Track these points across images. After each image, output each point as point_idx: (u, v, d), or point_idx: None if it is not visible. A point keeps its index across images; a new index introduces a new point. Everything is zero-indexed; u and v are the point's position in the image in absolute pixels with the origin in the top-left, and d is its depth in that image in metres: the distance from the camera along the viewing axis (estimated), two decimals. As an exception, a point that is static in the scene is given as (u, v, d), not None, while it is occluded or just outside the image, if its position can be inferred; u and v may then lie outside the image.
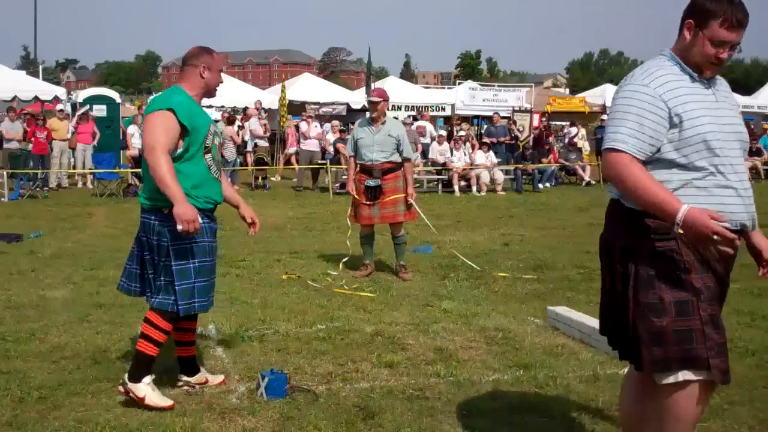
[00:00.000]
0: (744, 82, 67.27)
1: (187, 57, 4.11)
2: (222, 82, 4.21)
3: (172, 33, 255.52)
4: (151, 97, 4.60)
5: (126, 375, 3.98)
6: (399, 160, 7.51)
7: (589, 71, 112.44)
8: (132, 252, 4.17)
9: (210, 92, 4.14)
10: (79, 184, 17.23)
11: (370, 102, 7.59)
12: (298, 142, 18.37)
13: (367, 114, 7.73)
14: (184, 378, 4.31)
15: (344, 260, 7.89)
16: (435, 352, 5.04)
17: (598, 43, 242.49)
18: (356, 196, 7.58)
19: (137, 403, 3.90)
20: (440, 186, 16.89)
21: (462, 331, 5.54)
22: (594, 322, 5.36)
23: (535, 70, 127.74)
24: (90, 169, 16.89)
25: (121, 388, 3.98)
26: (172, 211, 3.79)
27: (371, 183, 7.45)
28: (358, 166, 7.62)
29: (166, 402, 3.97)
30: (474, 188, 16.40)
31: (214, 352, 4.98)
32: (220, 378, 4.39)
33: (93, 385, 4.27)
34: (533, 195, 16.22)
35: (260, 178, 17.11)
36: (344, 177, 16.24)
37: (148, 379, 3.96)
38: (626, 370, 4.61)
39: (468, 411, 4.01)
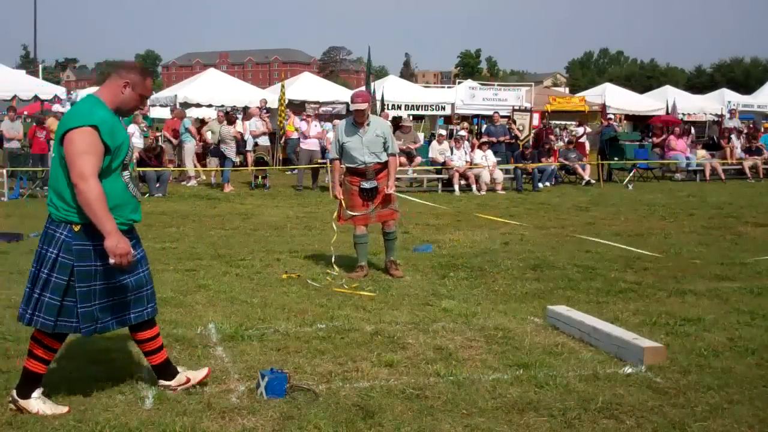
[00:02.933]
0: (744, 81, 67.27)
1: (120, 65, 3.94)
2: (140, 108, 3.93)
3: (172, 33, 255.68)
4: (68, 108, 4.12)
5: (14, 392, 3.90)
6: (386, 159, 7.53)
7: (589, 70, 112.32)
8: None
9: (122, 112, 3.89)
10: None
11: (356, 109, 7.43)
12: (299, 142, 18.38)
13: (351, 117, 7.62)
14: (163, 382, 4.21)
15: (332, 260, 7.87)
16: (435, 351, 5.04)
17: (598, 42, 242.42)
18: (343, 200, 7.57)
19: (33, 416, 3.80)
20: (440, 185, 16.88)
21: (462, 330, 5.54)
22: (593, 321, 5.37)
23: (534, 70, 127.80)
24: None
25: (12, 406, 3.88)
26: (104, 244, 3.63)
27: (367, 185, 7.44)
28: (345, 169, 7.59)
29: (62, 409, 3.89)
30: (474, 187, 16.39)
31: (213, 351, 4.98)
32: (203, 372, 4.26)
33: (93, 385, 4.26)
34: (533, 194, 16.20)
35: (260, 177, 17.11)
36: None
37: (37, 393, 3.89)
38: (627, 369, 4.63)
39: (468, 410, 4.01)
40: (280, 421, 3.84)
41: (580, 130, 20.90)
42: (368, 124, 7.45)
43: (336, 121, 19.03)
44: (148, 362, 4.26)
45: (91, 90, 29.38)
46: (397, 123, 18.90)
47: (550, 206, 13.83)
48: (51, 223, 3.79)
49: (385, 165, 7.54)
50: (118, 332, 5.32)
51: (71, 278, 3.74)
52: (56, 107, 18.45)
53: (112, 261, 3.67)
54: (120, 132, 3.80)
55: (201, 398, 4.11)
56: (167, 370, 4.22)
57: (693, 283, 7.12)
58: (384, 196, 7.53)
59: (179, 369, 4.29)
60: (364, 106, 7.40)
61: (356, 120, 7.46)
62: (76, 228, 3.73)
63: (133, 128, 17.24)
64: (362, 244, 7.61)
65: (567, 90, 49.09)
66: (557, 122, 24.89)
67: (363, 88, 18.98)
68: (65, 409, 3.91)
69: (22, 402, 3.86)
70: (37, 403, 3.87)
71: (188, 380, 4.23)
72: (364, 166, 7.44)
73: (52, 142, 16.60)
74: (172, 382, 4.20)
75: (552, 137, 20.69)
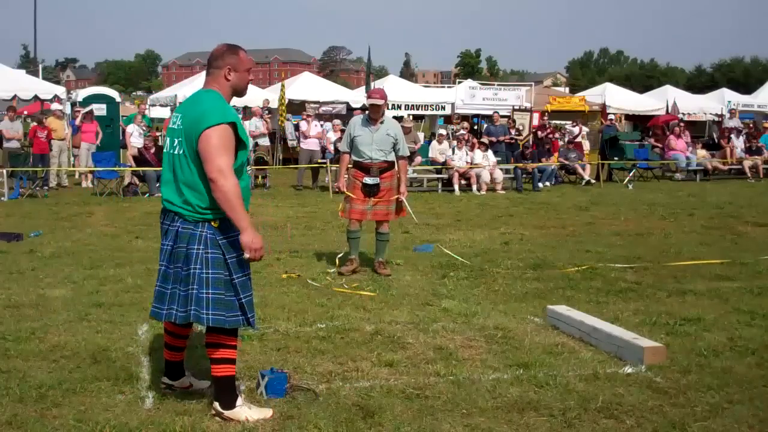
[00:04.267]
0: (744, 81, 67.25)
1: (212, 57, 3.85)
2: (251, 80, 3.94)
3: (171, 32, 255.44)
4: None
5: (217, 405, 3.85)
6: (394, 159, 7.59)
7: (589, 70, 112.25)
8: (160, 270, 3.88)
9: (239, 93, 3.91)
10: (83, 184, 17.23)
11: (371, 104, 7.58)
12: (299, 142, 18.37)
13: (366, 112, 7.74)
14: (167, 381, 4.20)
15: (339, 256, 7.91)
16: (435, 351, 5.04)
17: (598, 41, 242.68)
18: (348, 193, 7.63)
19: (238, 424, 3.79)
20: (440, 185, 16.88)
21: (462, 329, 5.54)
22: (594, 321, 5.37)
23: (534, 69, 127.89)
24: (91, 168, 16.87)
25: (217, 418, 3.84)
26: (240, 238, 3.67)
27: (370, 181, 7.50)
28: (352, 163, 7.67)
29: (267, 413, 3.88)
30: (474, 187, 16.38)
31: (213, 351, 4.97)
32: (206, 384, 4.20)
33: (93, 384, 4.27)
34: (533, 194, 16.20)
35: (260, 177, 17.11)
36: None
37: (240, 401, 3.87)
38: (627, 368, 4.63)
39: (468, 410, 4.01)
40: (280, 420, 3.84)
41: (575, 130, 20.87)
42: (382, 122, 7.55)
43: (336, 121, 19.07)
44: (171, 358, 4.18)
45: (92, 89, 29.37)
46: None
47: (550, 206, 13.83)
48: (184, 223, 3.76)
49: (391, 165, 7.58)
50: (117, 331, 5.34)
51: (229, 271, 3.75)
52: (54, 106, 18.38)
53: (247, 255, 3.71)
54: (242, 127, 3.83)
55: (201, 398, 4.10)
56: (180, 369, 4.23)
57: (693, 283, 7.12)
58: (384, 196, 7.55)
59: (186, 373, 4.27)
60: (380, 102, 7.53)
61: (371, 116, 7.58)
62: (215, 224, 3.75)
63: (132, 128, 17.24)
64: (355, 239, 7.70)
65: (567, 90, 49.07)
66: (554, 122, 24.82)
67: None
68: (270, 411, 3.89)
69: (227, 413, 3.82)
70: (243, 410, 3.83)
71: (190, 386, 4.23)
72: (370, 161, 7.51)
73: (53, 142, 16.61)
74: (176, 383, 4.20)
75: (553, 135, 20.64)
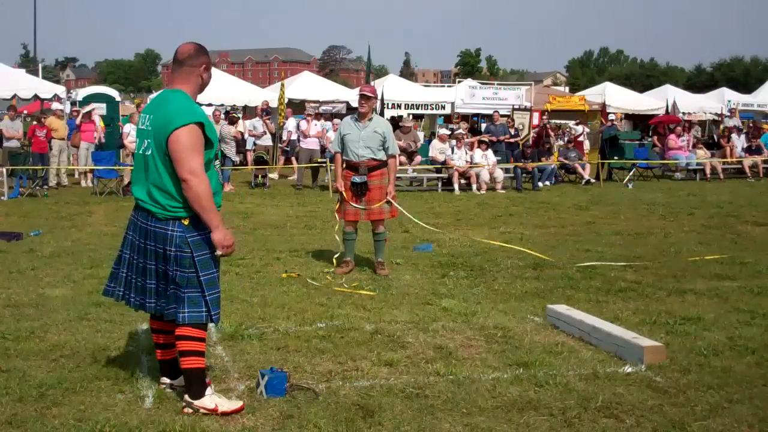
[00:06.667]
0: (744, 81, 67.26)
1: (185, 57, 3.90)
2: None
3: (171, 31, 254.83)
4: (164, 106, 3.93)
5: (186, 396, 3.90)
6: (385, 158, 7.57)
7: (588, 69, 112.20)
8: (124, 257, 3.98)
9: (202, 91, 4.03)
10: (82, 183, 17.23)
11: (363, 96, 7.59)
12: (298, 141, 18.36)
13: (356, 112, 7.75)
14: (166, 380, 4.21)
15: (336, 256, 7.92)
16: (435, 350, 5.04)
17: (598, 41, 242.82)
18: (344, 192, 7.63)
19: (211, 415, 3.83)
20: (440, 184, 16.87)
21: (462, 329, 5.54)
22: (593, 320, 5.37)
23: (534, 69, 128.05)
24: (90, 167, 16.85)
25: (188, 410, 3.87)
26: (212, 236, 3.76)
27: (357, 179, 7.51)
28: (344, 162, 7.67)
29: (237, 404, 3.92)
30: (474, 187, 16.38)
31: (213, 350, 4.97)
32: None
33: (93, 384, 4.27)
34: (533, 193, 16.20)
35: (260, 176, 17.10)
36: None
37: (210, 390, 3.91)
38: (627, 368, 4.63)
39: (468, 409, 4.01)
40: (280, 420, 3.84)
41: (579, 129, 20.87)
42: (370, 120, 7.55)
43: (336, 120, 19.06)
44: (163, 357, 4.20)
45: (92, 89, 29.33)
46: (396, 122, 18.92)
47: (550, 205, 13.83)
48: (156, 222, 3.81)
49: (381, 164, 7.57)
50: (117, 330, 5.34)
51: (195, 269, 3.81)
52: (54, 105, 18.37)
53: (219, 252, 3.81)
54: (212, 125, 3.88)
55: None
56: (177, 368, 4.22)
57: (693, 282, 7.12)
58: (374, 195, 7.54)
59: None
60: (371, 94, 7.58)
61: (359, 111, 7.59)
62: (186, 222, 3.80)
63: (128, 127, 17.23)
64: (350, 240, 7.72)
65: (567, 89, 49.07)
66: (555, 121, 24.85)
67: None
68: (240, 403, 3.93)
69: (197, 402, 3.86)
70: (213, 399, 3.88)
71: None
72: (357, 160, 7.49)
73: (53, 141, 16.59)
74: (176, 381, 4.20)
75: (551, 136, 20.65)
